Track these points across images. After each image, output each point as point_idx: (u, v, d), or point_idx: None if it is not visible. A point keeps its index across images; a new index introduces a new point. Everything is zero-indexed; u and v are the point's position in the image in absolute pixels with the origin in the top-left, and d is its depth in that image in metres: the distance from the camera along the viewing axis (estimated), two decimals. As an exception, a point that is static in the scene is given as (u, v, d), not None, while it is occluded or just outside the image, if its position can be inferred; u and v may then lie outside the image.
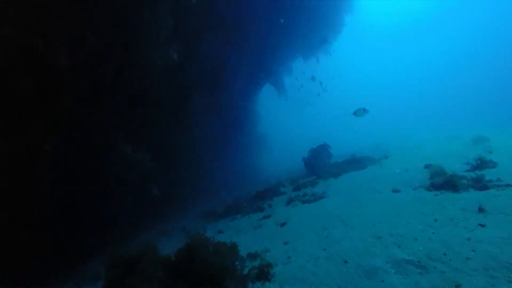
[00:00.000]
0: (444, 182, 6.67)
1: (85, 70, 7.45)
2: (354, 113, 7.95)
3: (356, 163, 14.08)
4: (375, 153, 16.64)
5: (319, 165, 12.72)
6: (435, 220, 4.81)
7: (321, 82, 25.46)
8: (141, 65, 8.57)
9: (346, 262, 4.14)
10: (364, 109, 7.85)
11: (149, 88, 10.15)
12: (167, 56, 8.80)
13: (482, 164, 7.78)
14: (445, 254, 3.65)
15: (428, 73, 69.35)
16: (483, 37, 61.22)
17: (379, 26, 67.80)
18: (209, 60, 12.98)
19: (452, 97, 52.32)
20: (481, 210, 4.59)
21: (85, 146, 8.64)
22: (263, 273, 4.18)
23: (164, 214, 13.78)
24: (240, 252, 4.36)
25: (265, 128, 29.08)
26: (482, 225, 4.09)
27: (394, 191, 7.54)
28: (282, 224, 7.16)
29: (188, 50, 12.05)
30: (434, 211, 5.30)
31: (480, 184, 6.06)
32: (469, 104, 43.44)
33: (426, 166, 9.42)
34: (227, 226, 9.02)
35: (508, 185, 5.76)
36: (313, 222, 6.56)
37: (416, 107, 54.60)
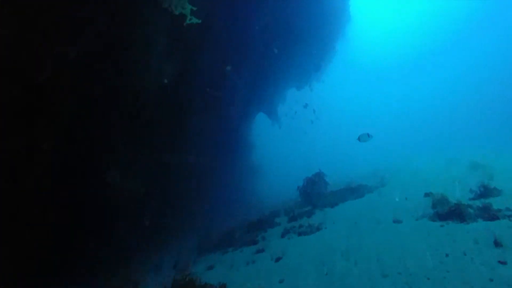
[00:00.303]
0: (449, 212, 6.25)
1: (70, 87, 7.13)
2: (358, 139, 7.59)
3: (353, 191, 13.62)
4: (372, 180, 16.27)
5: (315, 194, 12.25)
6: (446, 255, 4.35)
7: (314, 109, 25.61)
8: (133, 84, 8.30)
9: (350, 306, 3.62)
10: (368, 135, 7.52)
11: (141, 110, 9.86)
12: (160, 76, 8.56)
13: (486, 191, 7.43)
14: (465, 297, 3.19)
15: (423, 99, 70.78)
16: (479, 65, 63.02)
17: (373, 58, 70.16)
18: (206, 78, 12.87)
19: (447, 121, 53.21)
20: (497, 244, 4.15)
21: (68, 169, 8.13)
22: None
23: (157, 245, 12.99)
24: (229, 295, 3.80)
25: (260, 157, 28.85)
26: (503, 263, 3.65)
27: (396, 221, 7.08)
28: (277, 259, 6.58)
29: (184, 69, 11.94)
30: (443, 244, 4.84)
31: (489, 214, 5.65)
32: (465, 128, 44.04)
33: (427, 194, 9.04)
34: (218, 260, 8.36)
35: (519, 215, 5.38)
36: (311, 256, 6.02)
37: (411, 132, 55.25)
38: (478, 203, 6.54)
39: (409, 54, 68.05)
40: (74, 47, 6.60)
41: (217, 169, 17.97)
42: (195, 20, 7.44)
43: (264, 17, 16.88)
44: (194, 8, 7.42)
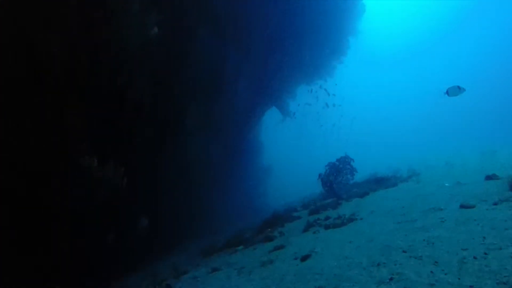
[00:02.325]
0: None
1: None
2: (447, 92, 6.38)
3: (381, 182, 11.72)
4: (398, 173, 14.32)
5: (340, 184, 10.39)
6: None
7: (329, 93, 23.88)
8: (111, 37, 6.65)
9: None
10: (459, 87, 6.24)
11: (129, 87, 8.20)
12: (143, 28, 6.89)
13: None
14: None
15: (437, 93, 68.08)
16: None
17: (389, 50, 68.03)
18: (206, 60, 11.16)
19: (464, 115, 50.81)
20: None
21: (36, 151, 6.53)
22: None
23: (157, 251, 11.45)
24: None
25: (272, 157, 27.24)
26: None
27: (464, 206, 5.20)
28: (304, 258, 4.79)
29: (182, 49, 10.31)
30: None
31: None
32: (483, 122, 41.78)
33: (490, 177, 7.11)
34: (225, 262, 6.60)
35: None
36: (354, 255, 4.21)
37: (424, 128, 53.04)
38: None
39: (421, 43, 65.53)
40: None
41: (222, 166, 16.34)
42: None
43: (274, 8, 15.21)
44: None
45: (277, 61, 18.54)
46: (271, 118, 24.91)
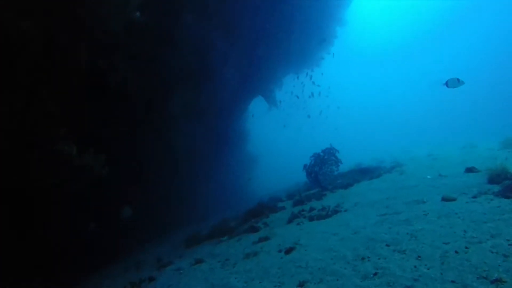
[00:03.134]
0: (531, 185, 4.47)
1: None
2: (446, 84, 6.45)
3: (366, 172, 11.89)
4: (382, 164, 14.58)
5: (325, 174, 10.45)
6: None
7: (318, 85, 23.97)
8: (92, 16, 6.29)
9: None
10: (459, 80, 6.33)
11: (111, 71, 7.84)
12: (125, 8, 6.55)
13: None
14: None
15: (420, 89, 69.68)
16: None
17: (374, 43, 68.37)
18: (193, 47, 10.82)
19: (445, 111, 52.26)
20: None
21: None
22: None
23: (142, 241, 11.32)
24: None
25: (259, 146, 27.25)
26: None
27: (445, 199, 5.29)
28: (288, 250, 4.78)
29: (167, 34, 9.92)
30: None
31: None
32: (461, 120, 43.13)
33: (470, 170, 7.28)
34: (209, 253, 6.55)
35: None
36: (339, 248, 4.22)
37: (406, 124, 54.31)
38: None
39: (409, 39, 66.27)
40: None
41: (208, 154, 16.17)
42: None
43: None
44: None
45: (264, 49, 18.27)
46: (258, 106, 24.81)
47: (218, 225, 9.78)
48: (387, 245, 3.80)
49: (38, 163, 6.25)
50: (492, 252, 2.96)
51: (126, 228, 10.06)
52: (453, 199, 5.19)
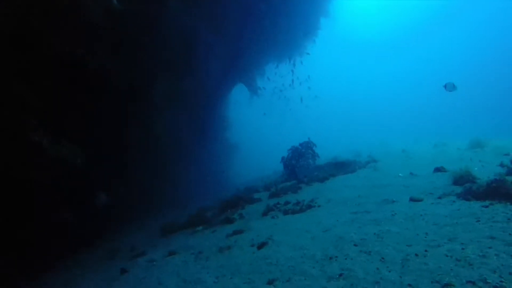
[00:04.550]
0: (489, 189, 4.76)
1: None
2: (445, 87, 7.06)
3: (342, 166, 12.19)
4: (358, 159, 15.00)
5: (302, 167, 10.64)
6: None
7: (309, 87, 24.10)
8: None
9: None
10: (454, 85, 6.97)
11: (89, 58, 7.50)
12: None
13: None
14: None
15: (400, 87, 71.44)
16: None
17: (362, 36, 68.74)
18: (177, 35, 10.50)
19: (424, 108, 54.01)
20: None
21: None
22: None
23: (117, 228, 11.14)
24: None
25: (239, 135, 27.19)
26: None
27: (413, 200, 5.56)
28: (261, 246, 4.89)
29: (150, 20, 9.56)
30: (508, 237, 3.31)
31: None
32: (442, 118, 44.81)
33: (438, 169, 7.65)
34: (183, 245, 6.58)
35: None
36: (309, 245, 4.36)
37: (386, 120, 55.79)
38: (519, 180, 5.11)
39: (396, 32, 67.18)
40: None
41: (188, 141, 15.99)
42: None
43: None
44: None
45: (248, 38, 18.03)
46: (242, 94, 24.69)
47: (195, 214, 9.80)
48: (355, 245, 3.96)
49: (9, 154, 5.97)
50: (447, 256, 3.15)
51: (100, 215, 9.89)
52: (420, 200, 5.46)
